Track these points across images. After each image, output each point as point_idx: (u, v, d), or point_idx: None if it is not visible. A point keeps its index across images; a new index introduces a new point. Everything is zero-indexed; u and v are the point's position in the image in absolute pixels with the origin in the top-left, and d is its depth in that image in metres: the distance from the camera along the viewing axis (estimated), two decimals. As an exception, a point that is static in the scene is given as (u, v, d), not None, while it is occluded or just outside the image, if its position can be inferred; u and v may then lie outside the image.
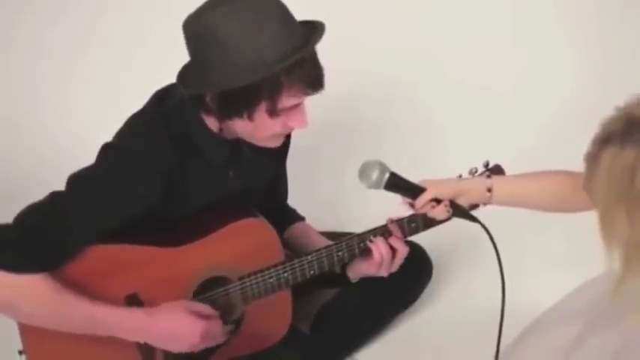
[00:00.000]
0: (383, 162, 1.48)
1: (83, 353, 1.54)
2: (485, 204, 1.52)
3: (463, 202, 1.50)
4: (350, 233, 1.72)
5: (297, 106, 1.48)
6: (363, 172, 1.48)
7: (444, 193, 1.48)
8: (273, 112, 1.45)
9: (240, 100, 1.44)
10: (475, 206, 1.56)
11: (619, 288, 1.14)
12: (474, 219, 1.47)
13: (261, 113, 1.45)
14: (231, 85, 1.42)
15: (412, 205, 1.52)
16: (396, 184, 1.49)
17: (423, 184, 1.50)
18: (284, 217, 1.84)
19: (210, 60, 1.42)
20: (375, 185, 1.47)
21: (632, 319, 1.22)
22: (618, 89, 1.17)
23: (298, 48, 1.41)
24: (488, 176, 1.50)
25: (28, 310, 1.44)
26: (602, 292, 1.33)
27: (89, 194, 1.48)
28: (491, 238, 1.43)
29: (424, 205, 1.49)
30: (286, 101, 1.45)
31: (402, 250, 1.67)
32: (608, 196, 1.12)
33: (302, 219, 1.92)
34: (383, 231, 1.67)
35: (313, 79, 1.46)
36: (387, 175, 1.47)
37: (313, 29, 1.47)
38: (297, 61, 1.40)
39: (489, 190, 1.48)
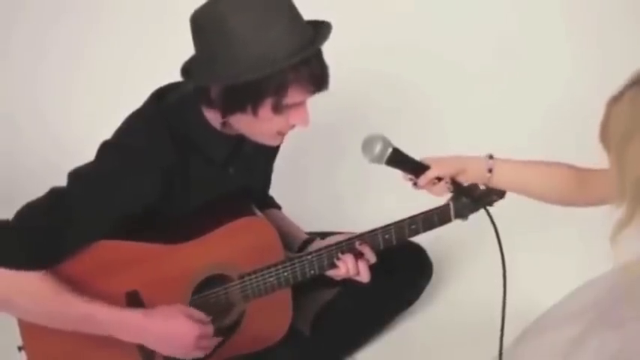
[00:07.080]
0: (386, 137, 1.46)
1: (83, 352, 1.54)
2: (484, 185, 1.51)
3: (462, 180, 1.50)
4: (345, 233, 1.72)
5: (300, 104, 1.49)
6: (366, 145, 1.46)
7: (445, 171, 1.49)
8: (277, 109, 1.46)
9: (246, 95, 1.44)
10: (490, 203, 1.55)
11: (621, 230, 1.13)
12: (474, 199, 1.46)
13: (265, 109, 1.46)
14: (238, 79, 1.41)
15: (414, 182, 1.51)
16: (399, 159, 1.47)
17: (425, 162, 1.49)
18: (260, 203, 1.80)
19: (217, 52, 1.42)
20: (377, 159, 1.45)
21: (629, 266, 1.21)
22: (618, 82, 1.17)
23: (306, 46, 1.42)
24: (491, 157, 1.49)
25: (25, 306, 1.44)
26: (602, 293, 1.33)
27: (89, 191, 1.48)
28: (493, 222, 1.42)
29: (427, 183, 1.49)
30: (291, 98, 1.45)
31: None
32: (625, 130, 1.12)
33: (278, 207, 1.92)
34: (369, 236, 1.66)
35: (319, 78, 1.46)
36: (389, 150, 1.45)
37: (320, 29, 1.47)
38: (305, 58, 1.41)
39: (490, 170, 1.48)
